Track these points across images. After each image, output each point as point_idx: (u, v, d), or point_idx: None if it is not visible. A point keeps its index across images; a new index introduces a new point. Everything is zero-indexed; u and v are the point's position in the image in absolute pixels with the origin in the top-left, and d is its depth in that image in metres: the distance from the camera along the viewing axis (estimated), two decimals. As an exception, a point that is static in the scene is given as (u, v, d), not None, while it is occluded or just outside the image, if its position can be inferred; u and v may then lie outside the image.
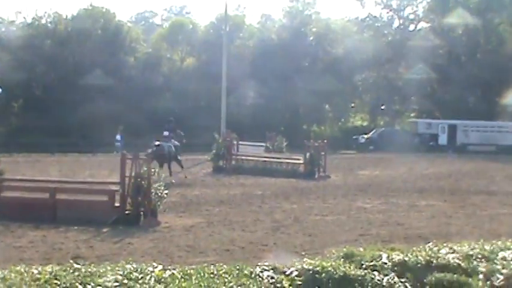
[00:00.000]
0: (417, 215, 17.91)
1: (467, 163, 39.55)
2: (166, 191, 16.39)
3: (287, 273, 6.40)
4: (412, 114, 69.16)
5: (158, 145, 26.53)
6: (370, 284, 6.59)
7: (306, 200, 21.05)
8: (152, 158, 22.28)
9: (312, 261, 6.79)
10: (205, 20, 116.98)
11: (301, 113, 62.25)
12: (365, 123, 69.23)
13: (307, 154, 29.85)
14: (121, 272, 5.52)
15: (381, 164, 37.58)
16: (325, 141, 32.67)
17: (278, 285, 6.05)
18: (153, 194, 15.76)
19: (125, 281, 5.30)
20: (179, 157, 27.92)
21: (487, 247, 7.90)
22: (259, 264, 6.47)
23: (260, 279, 5.85)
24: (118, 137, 46.00)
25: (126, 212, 15.42)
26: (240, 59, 58.98)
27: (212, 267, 5.92)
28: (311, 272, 6.52)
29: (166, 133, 27.93)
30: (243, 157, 32.47)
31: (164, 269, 5.77)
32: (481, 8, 65.07)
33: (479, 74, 60.02)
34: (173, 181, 23.47)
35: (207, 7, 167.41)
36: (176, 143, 27.89)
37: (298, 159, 30.65)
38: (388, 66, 68.65)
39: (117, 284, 5.23)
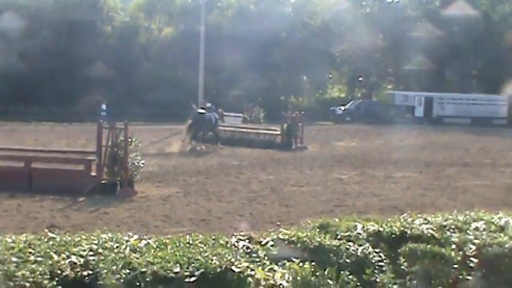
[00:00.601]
0: (393, 186, 18.06)
1: (442, 135, 39.87)
2: (143, 161, 16.36)
3: (262, 243, 6.43)
4: (388, 87, 69.39)
5: (202, 113, 28.54)
6: (344, 254, 6.62)
7: (282, 170, 21.13)
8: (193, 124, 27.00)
9: (288, 232, 6.82)
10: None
11: (279, 84, 62.19)
12: (342, 95, 69.35)
13: (285, 125, 29.92)
14: (96, 241, 5.51)
15: (358, 136, 37.77)
16: (303, 112, 32.74)
17: (254, 255, 6.07)
18: (130, 163, 15.72)
19: (100, 250, 5.29)
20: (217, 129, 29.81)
21: (460, 218, 7.98)
22: (234, 234, 6.49)
23: (236, 248, 5.86)
24: (103, 106, 45.79)
25: (103, 182, 15.38)
26: (218, 29, 58.60)
27: (188, 236, 5.92)
28: (286, 242, 6.54)
29: (209, 104, 30.75)
30: (220, 127, 32.44)
31: (140, 239, 5.76)
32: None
33: (456, 46, 60.23)
34: (203, 147, 27.22)
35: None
36: (216, 115, 30.12)
37: (276, 130, 30.72)
38: (365, 38, 68.60)
39: (92, 253, 5.22)
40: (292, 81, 61.56)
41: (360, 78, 68.53)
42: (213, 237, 6.10)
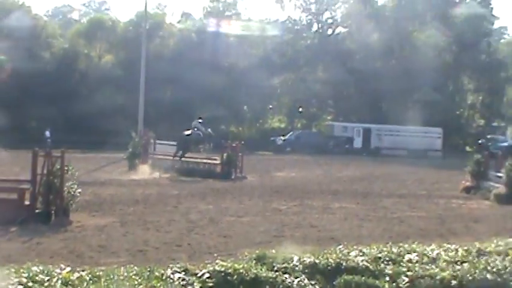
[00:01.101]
0: (330, 217, 18.17)
1: (380, 166, 40.45)
2: (79, 190, 16.11)
3: (199, 275, 6.40)
4: (328, 117, 70.28)
5: (189, 134, 31.27)
6: (281, 286, 6.64)
7: (222, 200, 21.06)
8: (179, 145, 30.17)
9: (224, 263, 6.81)
10: (125, 17, 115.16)
11: (220, 114, 62.26)
12: (283, 125, 69.92)
13: (224, 155, 29.91)
14: (26, 274, 5.38)
15: (297, 166, 38.01)
16: (243, 142, 32.82)
17: (189, 287, 6.03)
18: (66, 192, 15.45)
19: (30, 284, 5.16)
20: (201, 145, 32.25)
21: (394, 250, 8.11)
22: (170, 265, 6.44)
23: (171, 281, 5.82)
24: (47, 133, 45.07)
25: (37, 211, 15.06)
26: (160, 57, 58.54)
27: (122, 268, 5.84)
28: (223, 274, 6.53)
29: (200, 120, 32.92)
30: (160, 156, 32.25)
31: (72, 271, 5.65)
32: (396, 16, 66.81)
33: (394, 79, 61.55)
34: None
35: (127, 4, 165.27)
36: (201, 133, 32.05)
37: (215, 160, 30.67)
38: (306, 69, 69.57)
39: (21, 287, 5.10)
40: (233, 111, 61.76)
41: (300, 109, 69.24)
42: (149, 269, 6.04)
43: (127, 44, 59.71)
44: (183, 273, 6.27)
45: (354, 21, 69.42)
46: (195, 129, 32.24)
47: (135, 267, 5.92)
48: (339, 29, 72.72)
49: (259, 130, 66.03)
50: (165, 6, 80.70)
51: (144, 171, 29.99)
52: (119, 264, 6.85)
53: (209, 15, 66.29)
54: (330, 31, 72.31)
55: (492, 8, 72.03)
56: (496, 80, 68.63)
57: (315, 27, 72.29)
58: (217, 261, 6.92)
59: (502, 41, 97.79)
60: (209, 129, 32.49)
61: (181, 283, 5.91)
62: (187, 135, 31.57)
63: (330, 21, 71.90)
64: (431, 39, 66.45)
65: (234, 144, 31.02)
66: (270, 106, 69.76)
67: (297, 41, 69.47)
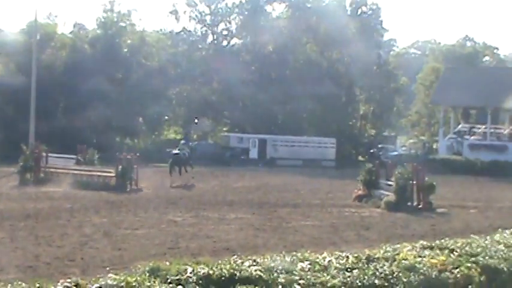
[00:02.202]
0: (226, 228, 18.27)
1: (275, 177, 40.91)
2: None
3: (90, 289, 6.28)
4: (224, 129, 70.55)
5: (177, 153, 34.58)
6: (174, 298, 6.60)
7: (116, 213, 20.78)
8: (174, 163, 33.63)
9: (117, 277, 6.71)
10: (15, 28, 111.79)
11: (114, 126, 61.31)
12: (179, 137, 69.63)
13: (119, 167, 29.52)
14: None
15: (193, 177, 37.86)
16: (138, 154, 32.50)
17: (80, 302, 5.90)
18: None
19: None
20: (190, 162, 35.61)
21: (287, 259, 8.21)
22: (61, 281, 6.28)
23: (61, 297, 5.68)
24: None
25: None
26: (51, 68, 57.12)
27: (9, 286, 5.65)
28: (115, 287, 6.43)
29: (183, 141, 37.80)
30: (52, 169, 31.47)
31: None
32: (290, 28, 67.99)
33: (288, 90, 62.54)
34: (193, 177, 33.92)
35: (17, 14, 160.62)
36: (188, 150, 36.17)
37: (110, 172, 30.21)
38: (201, 80, 69.65)
39: None
40: (128, 123, 60.93)
41: (196, 120, 69.21)
42: (38, 285, 5.88)
43: (18, 55, 57.87)
44: (74, 288, 6.14)
45: (249, 32, 70.13)
46: (184, 142, 36.88)
47: (23, 284, 5.74)
48: (234, 40, 73.28)
49: (155, 142, 65.44)
50: (55, 16, 78.48)
51: (37, 185, 29.18)
52: (6, 282, 6.63)
53: (102, 26, 65.15)
54: (225, 42, 72.73)
55: (382, 20, 74.45)
56: (387, 90, 70.90)
57: (210, 39, 72.51)
58: (109, 274, 6.80)
59: (392, 52, 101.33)
60: (191, 143, 35.48)
61: (72, 299, 5.78)
62: (176, 154, 34.64)
63: (225, 32, 72.29)
64: (324, 50, 67.98)
65: (129, 156, 30.67)
66: (166, 117, 69.34)
67: (192, 52, 69.47)
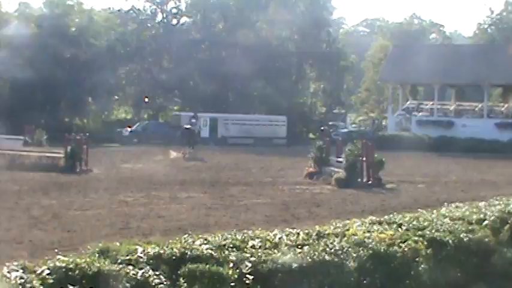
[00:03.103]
0: (178, 207, 18.23)
1: (227, 155, 40.93)
2: None
3: (38, 272, 6.20)
4: (175, 108, 70.17)
5: (188, 128, 39.19)
6: (124, 279, 6.57)
7: (66, 194, 20.55)
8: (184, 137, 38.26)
9: (65, 259, 6.64)
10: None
11: (63, 106, 60.48)
12: (129, 116, 69.06)
13: (68, 148, 29.14)
14: None
15: (144, 157, 37.69)
16: (87, 134, 32.14)
17: (28, 285, 5.83)
18: None
19: None
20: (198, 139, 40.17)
21: (238, 237, 8.25)
22: (7, 264, 6.19)
23: (8, 280, 5.60)
24: None
25: None
26: (-4, 48, 55.89)
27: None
28: (64, 269, 6.37)
29: (194, 120, 40.88)
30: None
31: None
32: (240, 6, 67.77)
33: (239, 69, 62.41)
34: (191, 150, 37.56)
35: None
36: (198, 128, 41.90)
37: (59, 153, 29.81)
38: (151, 60, 69.06)
39: None
40: (77, 103, 60.10)
41: (146, 100, 68.66)
42: (-16, 269, 5.79)
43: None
44: (21, 271, 6.05)
45: (199, 11, 69.66)
46: (194, 121, 40.33)
47: (-31, 268, 5.64)
48: (184, 19, 72.64)
49: (105, 122, 64.77)
50: (0, -6, 76.61)
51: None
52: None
53: (49, 5, 63.87)
54: (174, 21, 72.07)
55: (330, -2, 74.72)
56: (336, 68, 71.32)
57: (159, 17, 71.72)
58: (58, 256, 6.73)
59: (341, 30, 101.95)
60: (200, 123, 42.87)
61: (19, 281, 5.70)
62: (187, 128, 39.18)
63: (174, 11, 71.60)
64: (274, 28, 67.98)
65: (78, 137, 30.30)
66: (116, 97, 68.63)
67: (141, 31, 68.71)
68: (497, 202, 10.14)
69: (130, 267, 6.82)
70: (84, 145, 29.60)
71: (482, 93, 58.97)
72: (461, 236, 8.78)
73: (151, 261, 7.18)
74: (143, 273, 6.74)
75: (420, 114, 59.83)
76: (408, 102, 62.48)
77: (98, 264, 6.55)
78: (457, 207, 10.33)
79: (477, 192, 22.07)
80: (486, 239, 9.01)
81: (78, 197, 19.95)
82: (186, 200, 19.99)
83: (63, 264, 6.42)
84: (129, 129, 57.11)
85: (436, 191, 23.82)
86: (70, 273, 6.34)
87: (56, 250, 10.35)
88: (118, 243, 7.71)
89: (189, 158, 36.86)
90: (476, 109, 59.95)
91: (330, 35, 72.15)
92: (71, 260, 6.62)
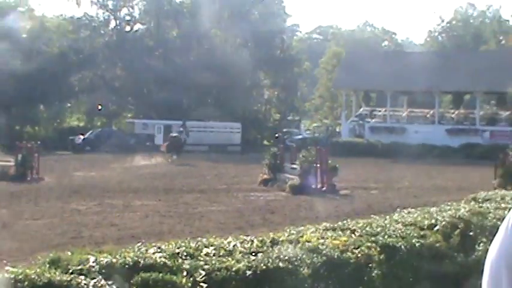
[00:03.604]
0: (131, 215, 18.08)
1: (181, 162, 40.74)
2: None
3: (-15, 283, 6.05)
4: (129, 115, 69.63)
5: (175, 136, 41.93)
6: (76, 289, 6.46)
7: (16, 203, 20.21)
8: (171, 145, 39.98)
9: (14, 269, 6.49)
10: None
11: (14, 113, 59.52)
12: (82, 124, 68.29)
13: (19, 156, 28.67)
14: None
15: (97, 165, 37.32)
16: (39, 142, 31.68)
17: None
18: None
19: None
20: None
21: (192, 244, 8.17)
22: (-47, 276, 6.03)
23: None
24: None
25: None
26: None
27: None
28: (13, 281, 6.22)
29: (181, 129, 44.98)
30: None
31: None
32: (194, 13, 67.65)
33: (193, 76, 62.27)
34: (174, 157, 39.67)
35: None
36: (185, 136, 44.85)
37: (9, 161, 29.33)
38: (105, 67, 68.46)
39: None
40: (28, 110, 59.21)
41: (100, 107, 67.99)
42: None
43: None
44: (-31, 283, 5.90)
45: (152, 18, 69.35)
46: (181, 130, 43.57)
47: None
48: (138, 26, 72.24)
49: (57, 129, 63.91)
50: None
51: None
52: None
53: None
54: (128, 28, 71.61)
55: (284, 6, 75.24)
56: (290, 75, 71.69)
57: (112, 24, 71.18)
58: (7, 267, 6.58)
59: (295, 37, 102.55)
60: (188, 129, 45.40)
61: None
62: (174, 136, 41.70)
63: (128, 18, 71.16)
64: (228, 35, 68.05)
65: (29, 145, 29.85)
66: (68, 104, 67.82)
67: (94, 38, 68.09)
68: (448, 207, 10.26)
69: (82, 277, 6.70)
70: (35, 153, 29.17)
71: (433, 100, 59.92)
72: (413, 241, 8.86)
73: (103, 270, 7.06)
74: (95, 282, 6.63)
75: (373, 120, 60.49)
76: (361, 109, 63.09)
77: (49, 275, 6.42)
78: (409, 212, 10.43)
79: (429, 197, 22.36)
80: (437, 244, 9.11)
81: (29, 206, 19.64)
82: (139, 207, 19.83)
83: (12, 275, 6.28)
84: (82, 136, 56.44)
85: (389, 196, 24.07)
86: (19, 284, 6.20)
87: (5, 261, 10.16)
88: (69, 253, 7.59)
89: (175, 163, 39.39)
90: (428, 115, 60.87)
91: (284, 42, 72.53)
92: (20, 270, 6.49)
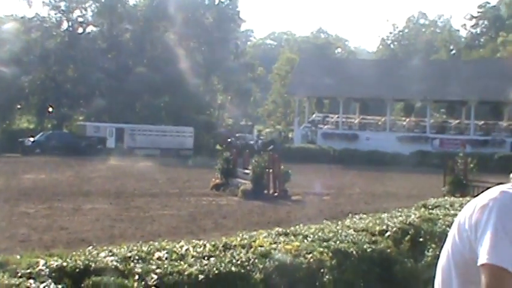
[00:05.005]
0: (82, 219, 17.86)
1: (133, 166, 40.43)
2: None
3: None
4: (80, 118, 68.81)
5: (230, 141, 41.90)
6: (25, 293, 6.35)
7: (-37, 206, 19.77)
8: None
9: (-38, 273, 6.36)
10: None
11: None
12: (32, 126, 67.17)
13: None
14: None
15: (47, 168, 36.79)
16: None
17: None
18: None
19: None
20: None
21: (144, 248, 8.11)
22: None
23: None
24: None
25: None
26: None
27: None
28: (-40, 284, 6.10)
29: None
30: None
31: None
32: (148, 16, 67.32)
33: (146, 79, 61.92)
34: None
35: None
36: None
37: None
38: (56, 68, 67.54)
39: None
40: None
41: (50, 109, 67.03)
42: None
43: None
44: None
45: (105, 20, 68.74)
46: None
47: None
48: (90, 28, 71.53)
49: (6, 131, 62.76)
50: None
51: None
52: None
53: None
54: (80, 30, 70.81)
55: (239, 11, 75.30)
56: (244, 80, 71.84)
57: (65, 26, 70.30)
58: (-47, 270, 6.44)
59: (249, 43, 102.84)
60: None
61: None
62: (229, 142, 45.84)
63: (80, 19, 70.38)
64: (182, 39, 67.84)
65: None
66: (18, 106, 66.69)
67: (46, 39, 67.14)
68: (399, 214, 10.40)
69: (32, 280, 6.60)
70: (-17, 155, 28.64)
71: (385, 108, 60.66)
72: (365, 246, 8.95)
73: (53, 274, 6.96)
74: (45, 286, 6.53)
75: (326, 127, 60.96)
76: (314, 115, 63.53)
77: (-3, 279, 6.30)
78: (360, 218, 10.53)
79: (380, 203, 22.62)
80: (388, 250, 9.22)
81: (-24, 209, 19.25)
82: (90, 211, 19.60)
83: (-41, 279, 6.16)
84: (31, 139, 55.53)
85: (341, 202, 24.27)
86: (-34, 288, 6.08)
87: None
88: (18, 256, 7.46)
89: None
90: (380, 123, 61.58)
91: (237, 47, 72.72)
92: (-33, 274, 6.36)
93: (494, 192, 2.47)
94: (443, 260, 2.57)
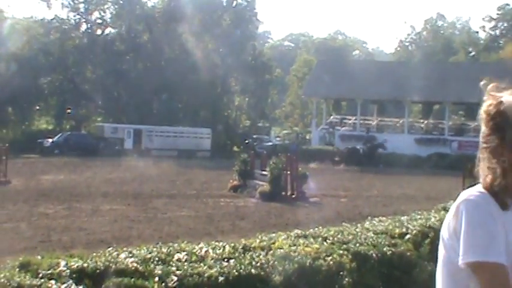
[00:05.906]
0: (100, 220, 17.92)
1: (151, 167, 40.49)
2: None
3: (-46, 288, 5.96)
4: (98, 119, 69.16)
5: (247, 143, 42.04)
6: (46, 293, 6.37)
7: (-17, 207, 19.92)
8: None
9: (-16, 273, 6.40)
10: None
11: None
12: (51, 127, 67.60)
13: (-14, 158, 28.32)
14: None
15: (66, 169, 37.00)
16: (7, 145, 31.31)
17: None
18: None
19: None
20: None
21: (164, 250, 8.13)
22: None
23: None
24: None
25: None
26: None
27: None
28: (-18, 284, 6.14)
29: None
30: None
31: None
32: (165, 18, 67.51)
33: (164, 80, 62.09)
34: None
35: None
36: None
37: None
38: (74, 70, 67.93)
39: None
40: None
41: (69, 110, 67.42)
42: None
43: None
44: None
45: (124, 22, 69.03)
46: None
47: None
48: (109, 30, 71.89)
49: (26, 132, 63.21)
50: None
51: None
52: None
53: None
54: (99, 31, 71.17)
55: (256, 12, 75.33)
56: (261, 82, 71.82)
57: (83, 27, 70.72)
58: (-25, 271, 6.48)
59: (266, 44, 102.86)
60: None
61: None
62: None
63: (99, 21, 70.75)
64: (199, 41, 67.96)
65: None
66: (37, 107, 67.14)
67: (64, 41, 67.52)
68: (418, 216, 10.34)
69: (53, 281, 6.62)
70: (3, 156, 28.82)
71: (403, 109, 60.39)
72: (385, 249, 8.90)
73: (74, 275, 6.99)
74: (66, 287, 6.56)
75: (343, 128, 60.78)
76: (332, 117, 63.36)
77: (18, 279, 6.34)
78: (380, 221, 10.48)
79: (398, 206, 22.50)
80: (408, 253, 9.17)
81: (-5, 209, 19.38)
82: (108, 212, 19.68)
83: (-19, 279, 6.19)
84: (50, 140, 55.86)
85: (359, 204, 24.17)
86: (-10, 288, 6.12)
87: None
88: (39, 257, 7.49)
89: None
90: (397, 124, 61.32)
91: (255, 49, 72.67)
92: (-11, 275, 6.39)
93: (462, 195, 2.59)
94: (439, 270, 2.62)
